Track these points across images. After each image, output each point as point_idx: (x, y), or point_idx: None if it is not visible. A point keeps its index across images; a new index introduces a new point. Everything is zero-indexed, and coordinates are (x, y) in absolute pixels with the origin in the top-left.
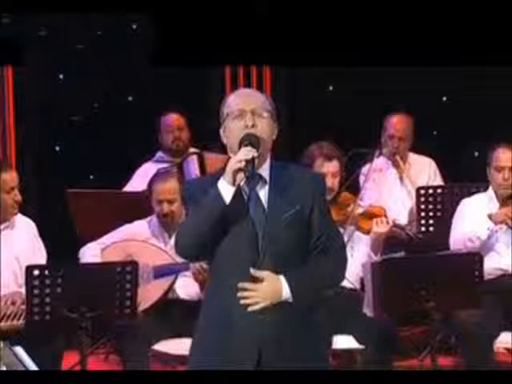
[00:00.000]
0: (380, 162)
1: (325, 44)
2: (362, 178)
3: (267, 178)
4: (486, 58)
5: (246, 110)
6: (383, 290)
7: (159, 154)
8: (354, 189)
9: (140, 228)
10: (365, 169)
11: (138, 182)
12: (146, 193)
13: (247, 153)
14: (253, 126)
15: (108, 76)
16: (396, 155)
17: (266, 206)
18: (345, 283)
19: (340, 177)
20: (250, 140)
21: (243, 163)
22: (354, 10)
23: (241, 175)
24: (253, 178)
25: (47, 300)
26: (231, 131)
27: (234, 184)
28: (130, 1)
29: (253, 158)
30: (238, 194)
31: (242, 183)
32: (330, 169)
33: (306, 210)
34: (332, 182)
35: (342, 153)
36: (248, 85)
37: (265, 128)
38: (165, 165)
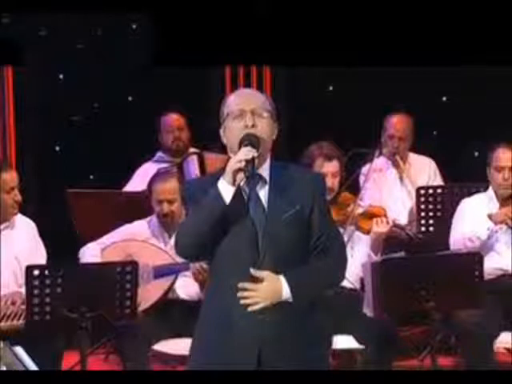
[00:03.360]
0: (380, 161)
1: (325, 44)
2: (362, 178)
3: (267, 178)
4: (486, 58)
5: (246, 110)
6: (383, 290)
7: (159, 153)
8: (354, 189)
9: (140, 228)
10: (365, 169)
11: (138, 182)
12: (146, 193)
13: (247, 153)
14: (253, 126)
15: (108, 76)
16: (396, 155)
17: (266, 205)
18: (345, 283)
19: (340, 177)
20: (250, 140)
21: (243, 163)
22: (354, 9)
23: (241, 175)
24: (253, 178)
25: (47, 300)
26: (231, 131)
27: (234, 184)
28: (129, 1)
29: (253, 158)
30: (238, 194)
31: (242, 183)
32: (329, 169)
33: (306, 210)
34: (332, 182)
35: (342, 153)
36: (248, 85)
37: (265, 128)
38: (165, 165)
